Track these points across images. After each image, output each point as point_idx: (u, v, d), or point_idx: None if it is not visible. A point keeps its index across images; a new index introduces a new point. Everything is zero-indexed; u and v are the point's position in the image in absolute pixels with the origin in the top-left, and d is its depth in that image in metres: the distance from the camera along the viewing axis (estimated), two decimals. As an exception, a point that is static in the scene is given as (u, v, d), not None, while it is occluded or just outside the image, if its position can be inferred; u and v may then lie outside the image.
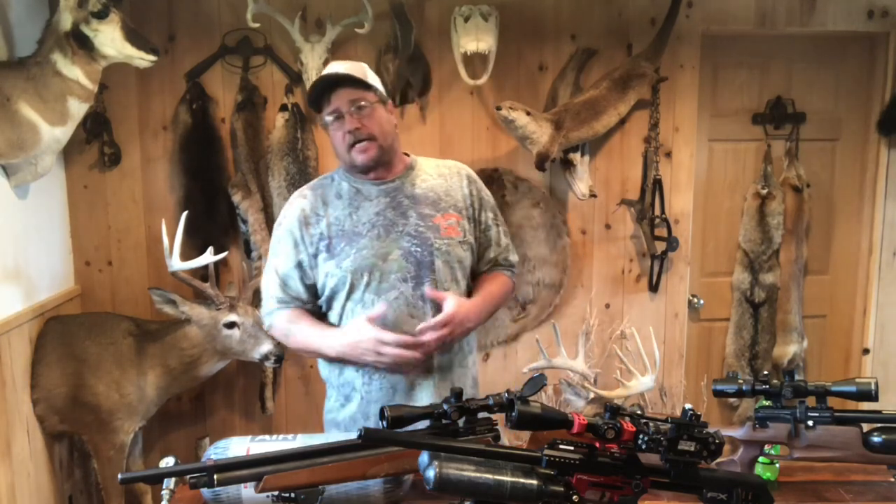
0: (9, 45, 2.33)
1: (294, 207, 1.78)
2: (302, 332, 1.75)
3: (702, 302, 3.16)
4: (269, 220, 2.74)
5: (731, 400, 3.19)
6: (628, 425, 1.08)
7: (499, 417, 1.27)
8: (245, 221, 2.78)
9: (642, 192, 2.96)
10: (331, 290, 1.73)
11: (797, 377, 1.45)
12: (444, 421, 1.25)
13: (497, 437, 1.30)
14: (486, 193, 1.89)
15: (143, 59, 2.28)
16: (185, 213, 2.53)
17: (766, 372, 1.79)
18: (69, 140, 2.38)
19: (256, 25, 2.62)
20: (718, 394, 1.49)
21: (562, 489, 1.06)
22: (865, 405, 1.59)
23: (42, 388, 2.43)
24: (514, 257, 1.93)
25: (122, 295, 2.86)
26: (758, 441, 1.49)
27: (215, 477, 1.15)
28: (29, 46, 2.27)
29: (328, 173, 1.86)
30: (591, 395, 2.44)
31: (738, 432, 1.50)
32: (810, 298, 3.22)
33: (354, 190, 1.77)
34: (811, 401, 1.47)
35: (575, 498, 1.07)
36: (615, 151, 2.97)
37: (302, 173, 2.71)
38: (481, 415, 1.28)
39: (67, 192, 2.80)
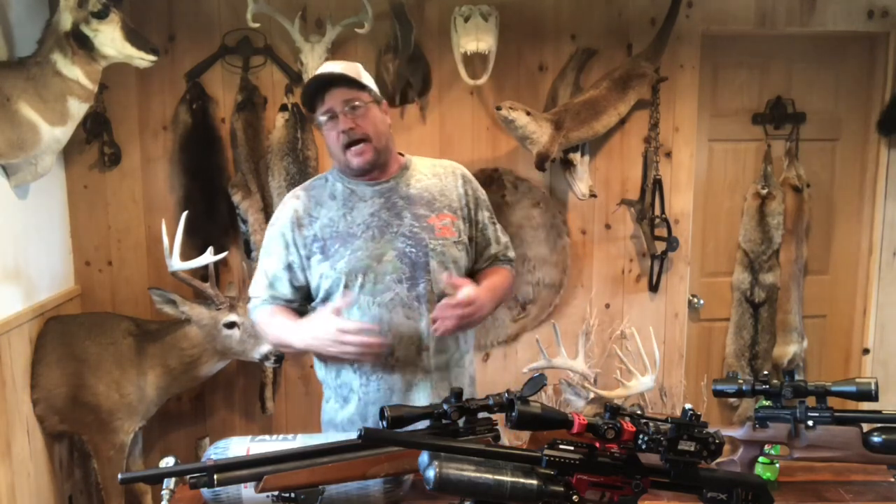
0: (9, 45, 2.33)
1: (287, 208, 1.78)
2: (277, 326, 1.75)
3: (702, 302, 3.16)
4: (269, 220, 2.74)
5: (731, 400, 3.19)
6: (628, 425, 1.08)
7: (499, 417, 1.27)
8: (245, 221, 2.78)
9: (642, 192, 2.96)
10: (325, 291, 1.72)
11: (797, 377, 1.45)
12: (444, 421, 1.25)
13: (497, 437, 1.30)
14: (482, 192, 1.88)
15: (143, 59, 2.28)
16: (185, 213, 2.54)
17: (766, 372, 1.79)
18: (69, 140, 2.39)
19: (256, 25, 2.62)
20: (718, 394, 1.49)
21: (562, 489, 1.06)
22: (865, 405, 1.58)
23: (42, 388, 2.43)
24: (512, 253, 1.93)
25: (122, 295, 2.86)
26: (758, 441, 1.49)
27: (215, 477, 1.16)
28: (29, 46, 2.27)
29: (322, 174, 1.86)
30: (591, 395, 2.44)
31: (738, 432, 1.50)
32: (810, 298, 3.22)
33: (349, 191, 1.76)
34: (811, 401, 1.47)
35: (575, 498, 1.07)
36: (615, 151, 2.97)
37: (302, 173, 2.71)
38: (481, 415, 1.28)
39: (67, 192, 2.80)
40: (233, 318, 2.50)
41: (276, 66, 2.79)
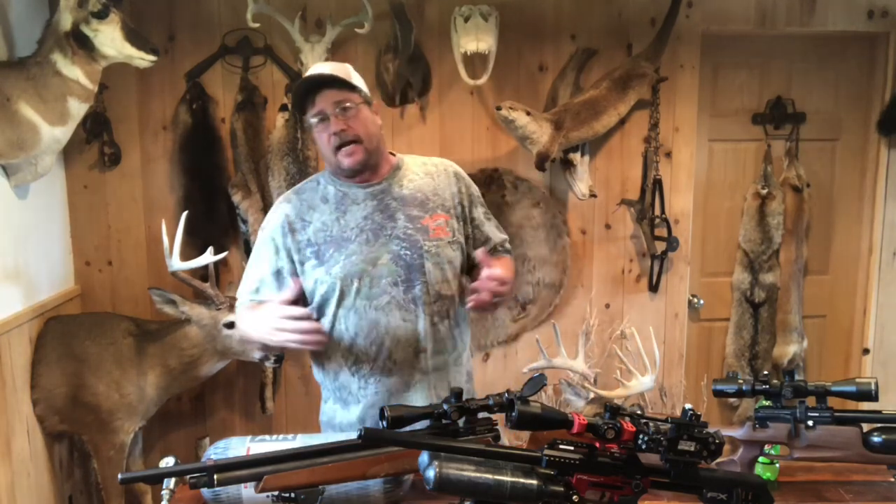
0: (9, 45, 2.33)
1: (278, 213, 1.76)
2: (242, 320, 1.77)
3: (702, 302, 3.16)
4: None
5: (731, 400, 3.19)
6: (628, 425, 1.08)
7: (499, 417, 1.27)
8: (245, 221, 2.78)
9: (642, 192, 2.96)
10: (321, 297, 1.71)
11: (797, 377, 1.45)
12: (444, 421, 1.25)
13: (497, 437, 1.30)
14: (475, 189, 1.86)
15: (143, 59, 2.28)
16: (185, 213, 2.53)
17: (766, 372, 1.79)
18: (69, 140, 2.39)
19: (256, 25, 2.62)
20: (718, 394, 1.49)
21: (562, 489, 1.06)
22: (865, 405, 1.58)
23: (42, 388, 2.43)
24: (509, 247, 1.93)
25: (122, 295, 2.86)
26: (758, 441, 1.49)
27: (215, 477, 1.15)
28: (29, 46, 2.27)
29: (313, 176, 1.84)
30: (591, 395, 2.44)
31: (738, 432, 1.50)
32: (810, 298, 3.22)
33: (341, 194, 1.74)
34: (811, 401, 1.47)
35: (575, 498, 1.07)
36: (615, 151, 2.97)
37: (302, 173, 2.71)
38: (481, 415, 1.28)
39: (67, 192, 2.80)
40: (233, 318, 2.49)
41: (276, 66, 2.79)
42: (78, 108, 2.28)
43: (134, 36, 2.25)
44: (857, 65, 3.11)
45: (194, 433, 2.94)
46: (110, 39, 2.21)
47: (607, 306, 3.05)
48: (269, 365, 2.68)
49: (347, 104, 1.67)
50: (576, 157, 2.84)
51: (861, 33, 3.01)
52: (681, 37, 2.89)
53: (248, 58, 2.77)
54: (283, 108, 2.76)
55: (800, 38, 3.04)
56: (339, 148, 1.68)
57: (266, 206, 2.77)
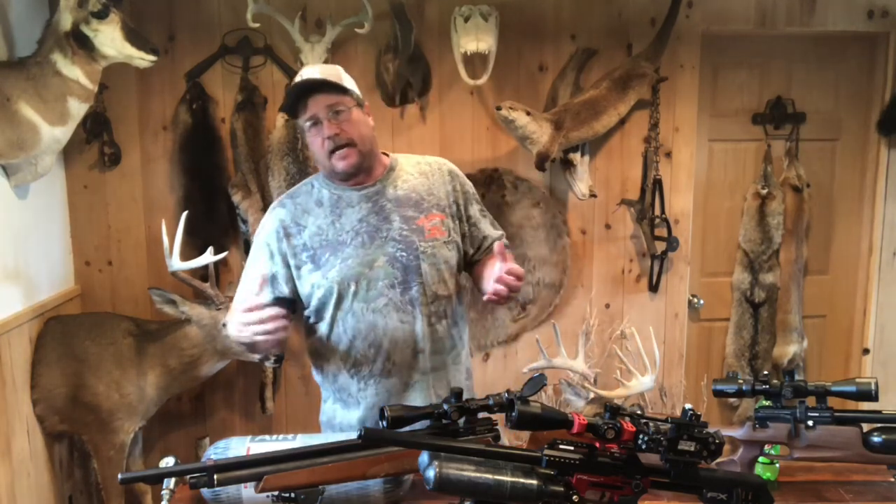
0: (9, 45, 2.33)
1: (273, 218, 1.76)
2: (228, 324, 1.75)
3: (702, 302, 3.16)
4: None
5: (731, 400, 3.19)
6: (628, 425, 1.08)
7: (499, 417, 1.27)
8: (245, 221, 2.78)
9: (642, 192, 2.96)
10: (319, 301, 1.71)
11: (797, 377, 1.45)
12: (444, 421, 1.25)
13: (497, 437, 1.30)
14: (470, 186, 1.86)
15: (143, 59, 2.28)
16: (185, 213, 2.53)
17: (766, 372, 1.79)
18: (69, 140, 2.39)
19: (256, 25, 2.62)
20: (718, 394, 1.49)
21: (562, 489, 1.06)
22: (865, 405, 1.58)
23: (42, 388, 2.43)
24: (507, 243, 1.92)
25: (122, 295, 2.86)
26: (758, 441, 1.49)
27: (215, 477, 1.16)
28: (29, 46, 2.27)
29: (307, 179, 1.83)
30: (591, 395, 2.44)
31: (738, 432, 1.50)
32: (810, 298, 3.22)
33: (335, 197, 1.74)
34: (811, 401, 1.47)
35: (575, 498, 1.07)
36: (615, 151, 2.97)
37: (302, 173, 2.71)
38: (481, 415, 1.28)
39: (67, 192, 2.80)
40: (233, 318, 2.49)
41: (276, 66, 2.79)
42: (78, 108, 2.28)
43: (134, 36, 2.25)
44: (857, 65, 3.10)
45: (194, 433, 2.94)
46: (110, 39, 2.21)
47: (607, 306, 3.05)
48: (269, 365, 2.68)
49: (340, 108, 1.66)
50: (576, 157, 2.84)
51: (861, 33, 3.00)
52: (681, 37, 2.89)
53: (248, 58, 2.77)
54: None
55: (800, 38, 3.04)
56: (332, 152, 1.67)
57: (266, 207, 2.76)
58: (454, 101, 2.89)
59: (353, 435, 1.29)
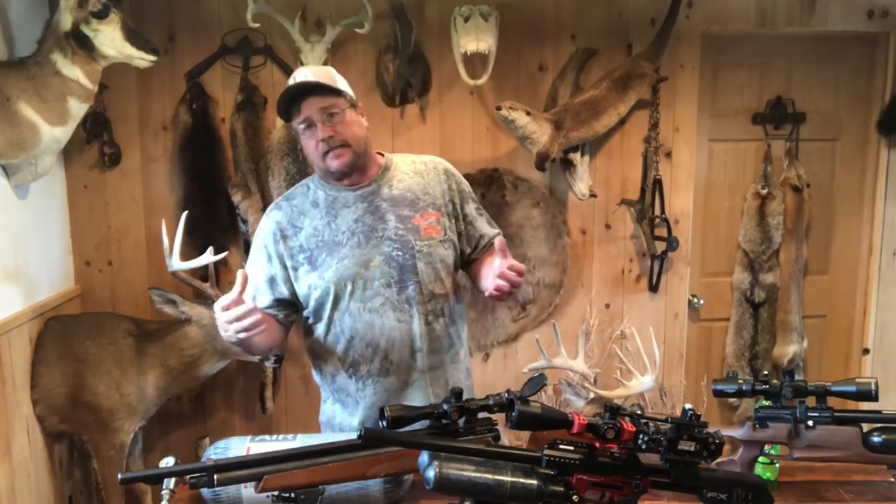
0: (9, 45, 2.33)
1: (269, 221, 1.77)
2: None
3: (702, 302, 3.16)
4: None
5: (731, 400, 3.19)
6: (628, 425, 1.08)
7: (499, 417, 1.27)
8: (245, 221, 2.78)
9: (642, 192, 2.96)
10: (316, 301, 1.71)
11: (797, 377, 1.45)
12: (444, 421, 1.25)
13: (497, 437, 1.30)
14: (466, 185, 1.86)
15: (143, 59, 2.28)
16: (185, 213, 2.53)
17: (766, 372, 1.79)
18: (69, 140, 2.38)
19: (256, 25, 2.62)
20: (718, 394, 1.49)
21: (562, 489, 1.06)
22: (865, 405, 1.58)
23: (42, 388, 2.43)
24: (503, 239, 1.92)
25: (122, 295, 2.86)
26: (758, 441, 1.49)
27: (215, 477, 1.16)
28: (29, 46, 2.27)
29: (303, 181, 1.84)
30: (591, 395, 2.44)
31: (738, 432, 1.50)
32: (810, 298, 3.22)
33: (331, 198, 1.74)
34: (811, 401, 1.47)
35: (575, 498, 1.07)
36: (615, 151, 2.97)
37: (302, 173, 2.71)
38: (481, 415, 1.28)
39: (67, 192, 2.80)
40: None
41: (276, 66, 2.79)
42: (78, 108, 2.28)
43: (134, 36, 2.25)
44: (857, 65, 3.10)
45: (194, 433, 2.94)
46: (110, 39, 2.21)
47: (607, 306, 3.05)
48: (269, 365, 2.68)
49: (333, 110, 1.66)
50: (576, 157, 2.84)
51: (861, 33, 3.00)
52: (681, 37, 2.89)
53: (248, 58, 2.77)
54: (283, 108, 2.76)
55: (800, 38, 3.04)
56: (326, 153, 1.68)
57: (266, 207, 2.76)
58: (454, 101, 2.89)
59: (353, 435, 1.29)
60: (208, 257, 2.51)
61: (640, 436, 1.08)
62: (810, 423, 1.44)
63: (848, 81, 3.11)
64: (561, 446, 1.09)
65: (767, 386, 1.45)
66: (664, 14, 2.80)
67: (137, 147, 2.82)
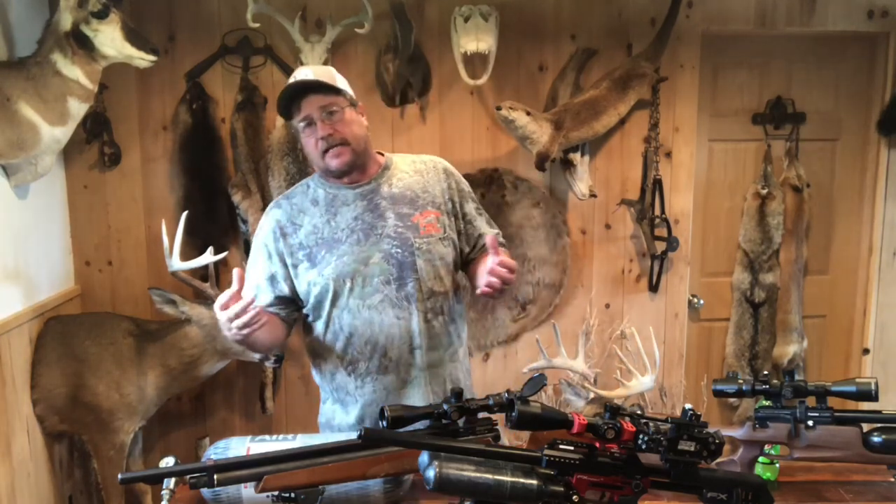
0: (9, 45, 2.33)
1: (269, 219, 1.78)
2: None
3: (702, 302, 3.16)
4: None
5: (731, 400, 3.19)
6: (628, 425, 1.08)
7: (499, 417, 1.27)
8: (245, 221, 2.78)
9: (642, 192, 2.96)
10: (315, 298, 1.72)
11: (797, 377, 1.45)
12: (444, 421, 1.25)
13: (497, 437, 1.30)
14: (465, 185, 1.87)
15: (143, 59, 2.28)
16: (185, 213, 2.53)
17: (766, 372, 1.79)
18: (69, 140, 2.38)
19: (256, 25, 2.62)
20: (718, 394, 1.49)
21: (562, 489, 1.06)
22: (865, 405, 1.58)
23: (42, 388, 2.43)
24: (503, 241, 1.93)
25: (122, 295, 2.86)
26: (758, 441, 1.49)
27: (215, 477, 1.16)
28: (29, 46, 2.27)
29: (303, 180, 1.85)
30: (591, 395, 2.44)
31: (738, 432, 1.50)
32: (810, 298, 3.22)
33: (331, 196, 1.75)
34: (811, 401, 1.47)
35: (575, 498, 1.07)
36: (615, 151, 2.97)
37: (302, 173, 2.71)
38: (481, 415, 1.28)
39: (67, 192, 2.80)
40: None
41: (276, 66, 2.79)
42: (78, 108, 2.28)
43: (134, 36, 2.25)
44: (857, 65, 3.10)
45: (194, 433, 2.94)
46: (110, 39, 2.21)
47: (607, 306, 3.05)
48: (269, 365, 2.68)
49: (333, 108, 1.67)
50: (576, 157, 2.84)
51: (861, 33, 3.00)
52: (681, 37, 2.89)
53: (248, 58, 2.77)
54: (283, 108, 2.75)
55: (800, 38, 3.04)
56: (326, 151, 1.68)
57: (266, 207, 2.76)
58: (454, 101, 2.89)
59: (353, 435, 1.29)
60: (208, 257, 2.51)
61: (640, 436, 1.08)
62: (810, 423, 1.44)
63: (848, 81, 3.11)
64: (561, 446, 1.09)
65: (767, 386, 1.45)
66: (664, 14, 2.80)
67: (137, 147, 2.82)
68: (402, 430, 1.20)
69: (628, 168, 2.98)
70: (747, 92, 3.11)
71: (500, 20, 2.65)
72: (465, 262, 1.85)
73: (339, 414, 1.80)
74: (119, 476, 1.16)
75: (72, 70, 2.21)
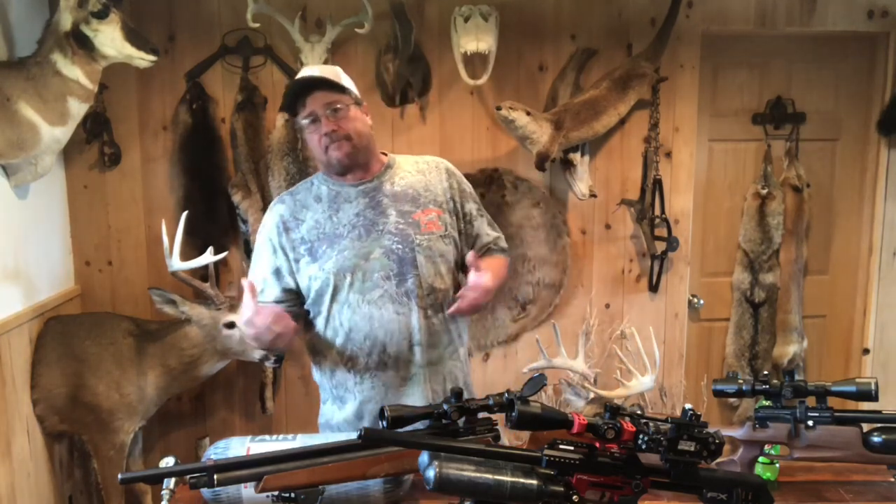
0: (9, 45, 2.33)
1: (273, 214, 1.80)
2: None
3: (702, 302, 3.16)
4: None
5: (731, 400, 3.19)
6: (628, 425, 1.08)
7: (499, 417, 1.27)
8: (245, 221, 2.78)
9: (642, 192, 2.96)
10: (316, 292, 1.74)
11: (797, 377, 1.45)
12: (444, 421, 1.25)
13: (497, 437, 1.30)
14: (467, 185, 1.88)
15: (143, 59, 2.28)
16: (185, 213, 2.53)
17: (766, 372, 1.79)
18: (69, 140, 2.38)
19: (256, 25, 2.62)
20: (718, 394, 1.49)
21: (562, 489, 1.06)
22: (865, 405, 1.58)
23: (42, 388, 2.43)
24: (504, 245, 1.94)
25: (122, 295, 2.86)
26: (758, 441, 1.49)
27: (215, 477, 1.16)
28: (29, 46, 2.27)
29: (308, 178, 1.87)
30: (591, 395, 2.44)
31: (738, 432, 1.50)
32: (810, 298, 3.22)
33: (334, 192, 1.77)
34: (811, 401, 1.47)
35: (575, 498, 1.07)
36: (615, 151, 2.97)
37: (302, 173, 2.71)
38: (481, 415, 1.28)
39: (67, 192, 2.80)
40: (233, 318, 2.49)
41: (276, 66, 2.79)
42: (78, 108, 2.28)
43: (134, 36, 2.25)
44: (857, 65, 3.10)
45: (194, 433, 2.94)
46: (110, 39, 2.21)
47: (607, 306, 3.05)
48: (269, 365, 2.68)
49: (338, 105, 1.69)
50: (576, 157, 2.84)
51: (861, 33, 3.00)
52: (681, 37, 2.89)
53: (248, 58, 2.77)
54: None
55: (800, 38, 3.04)
56: (329, 146, 1.71)
57: (266, 206, 2.76)
58: (454, 101, 2.89)
59: (354, 435, 1.29)
60: (208, 257, 2.51)
61: (640, 436, 1.08)
62: (810, 423, 1.44)
63: (848, 81, 3.11)
64: (561, 446, 1.09)
65: (767, 386, 1.45)
66: (664, 14, 2.80)
67: (137, 147, 2.82)
68: (402, 430, 1.20)
69: (628, 168, 2.98)
70: (747, 92, 3.11)
71: (500, 20, 2.65)
72: (465, 265, 1.86)
73: (339, 413, 1.80)
74: (119, 476, 1.16)
75: (72, 70, 2.21)
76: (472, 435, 1.28)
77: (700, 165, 3.10)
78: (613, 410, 1.09)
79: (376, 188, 1.77)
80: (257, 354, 2.52)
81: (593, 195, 2.86)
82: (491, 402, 1.26)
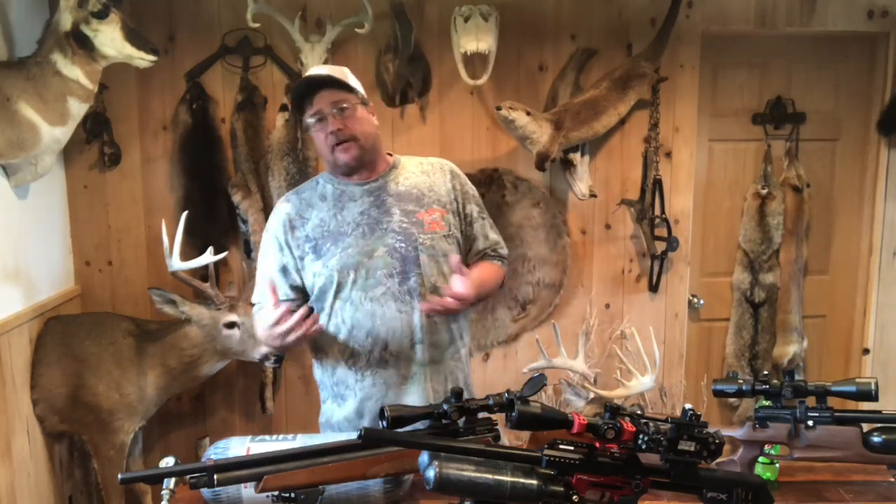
0: (9, 45, 2.33)
1: (279, 212, 1.82)
2: (257, 323, 1.80)
3: (702, 302, 3.16)
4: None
5: (731, 400, 3.19)
6: (628, 425, 1.08)
7: (499, 417, 1.27)
8: (245, 221, 2.78)
9: (642, 192, 2.96)
10: (319, 289, 1.75)
11: (797, 377, 1.45)
12: (444, 421, 1.26)
13: (497, 437, 1.30)
14: (471, 187, 1.90)
15: (143, 59, 2.28)
16: (185, 213, 2.53)
17: (766, 372, 1.79)
18: (69, 140, 2.39)
19: (256, 25, 2.62)
20: (718, 394, 1.49)
21: (562, 489, 1.06)
22: (865, 405, 1.58)
23: (42, 388, 2.43)
24: (504, 251, 1.93)
25: (122, 295, 2.86)
26: (758, 441, 1.49)
27: (215, 477, 1.16)
28: (29, 46, 2.27)
29: (314, 177, 1.89)
30: (591, 395, 2.44)
31: (738, 432, 1.50)
32: (810, 298, 3.21)
33: (339, 191, 1.79)
34: (811, 401, 1.47)
35: (575, 498, 1.07)
36: (615, 151, 2.97)
37: (302, 173, 2.71)
38: (481, 415, 1.28)
39: (67, 192, 2.80)
40: (233, 318, 2.50)
41: (276, 66, 2.79)
42: (78, 108, 2.28)
43: (134, 36, 2.25)
44: (857, 65, 3.10)
45: (194, 433, 2.94)
46: (110, 39, 2.21)
47: (607, 306, 3.05)
48: (269, 365, 2.68)
49: (344, 104, 1.71)
50: (576, 157, 2.84)
51: (861, 33, 3.00)
52: (681, 37, 2.89)
53: (248, 58, 2.77)
54: (283, 108, 2.75)
55: (800, 38, 3.04)
56: (335, 146, 1.72)
57: (266, 206, 2.77)
58: (454, 101, 2.89)
59: (354, 435, 1.29)
60: (208, 257, 2.51)
61: (640, 436, 1.08)
62: (810, 423, 1.44)
63: (848, 81, 3.11)
64: (561, 446, 1.09)
65: (767, 386, 1.45)
66: (664, 14, 2.80)
67: (137, 147, 2.82)
68: (401, 429, 1.20)
69: (628, 168, 2.98)
70: (747, 92, 3.11)
71: (500, 20, 2.65)
72: (468, 265, 1.86)
73: (339, 412, 1.81)
74: (119, 476, 1.16)
75: (72, 70, 2.21)
76: (472, 435, 1.28)
77: (700, 165, 3.10)
78: (613, 410, 1.09)
79: (381, 187, 1.79)
80: (257, 354, 2.52)
81: (593, 195, 2.86)
82: (491, 402, 1.26)
